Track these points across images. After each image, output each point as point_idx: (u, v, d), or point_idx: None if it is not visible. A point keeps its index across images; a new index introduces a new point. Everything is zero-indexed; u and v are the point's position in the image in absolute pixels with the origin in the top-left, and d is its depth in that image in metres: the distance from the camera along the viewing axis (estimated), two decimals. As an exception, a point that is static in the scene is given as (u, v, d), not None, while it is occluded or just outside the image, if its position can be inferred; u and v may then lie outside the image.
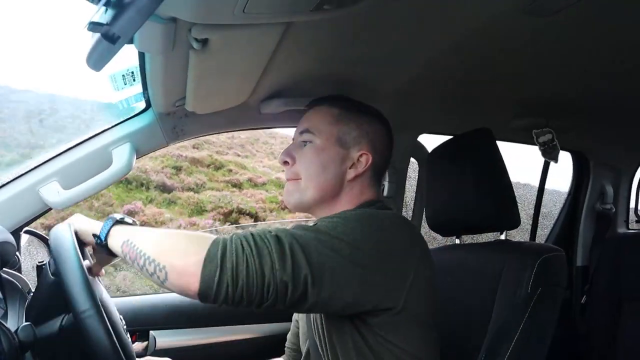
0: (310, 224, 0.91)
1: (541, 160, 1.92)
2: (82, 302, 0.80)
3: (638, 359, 1.88)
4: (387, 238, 0.91)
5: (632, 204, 2.36)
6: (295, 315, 1.33)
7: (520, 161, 1.95)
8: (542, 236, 2.37)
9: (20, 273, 1.08)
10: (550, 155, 1.75)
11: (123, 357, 0.81)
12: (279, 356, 1.47)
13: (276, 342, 1.62)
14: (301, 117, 1.22)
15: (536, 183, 2.30)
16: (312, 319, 1.07)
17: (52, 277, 0.90)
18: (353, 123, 1.09)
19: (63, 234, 0.88)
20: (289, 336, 1.35)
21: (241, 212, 9.10)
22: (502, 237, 1.30)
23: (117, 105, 1.29)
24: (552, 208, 2.50)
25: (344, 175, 1.07)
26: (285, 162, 1.10)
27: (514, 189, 1.26)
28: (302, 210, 1.12)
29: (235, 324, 1.61)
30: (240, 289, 0.77)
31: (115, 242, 0.90)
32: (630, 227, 2.38)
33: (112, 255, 0.96)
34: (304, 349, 1.19)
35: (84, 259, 0.89)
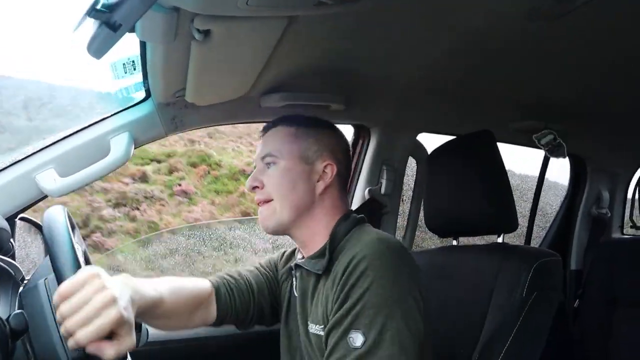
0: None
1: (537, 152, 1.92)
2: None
3: None
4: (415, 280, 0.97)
5: (628, 210, 2.37)
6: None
7: (517, 150, 1.95)
8: (537, 238, 2.38)
9: (14, 260, 1.07)
10: (557, 153, 1.76)
11: None
12: (272, 350, 1.47)
13: (270, 337, 1.62)
14: (301, 112, 1.22)
15: (532, 172, 2.30)
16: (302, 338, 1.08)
17: None
18: (311, 138, 1.12)
19: (57, 218, 0.87)
20: (240, 271, 1.26)
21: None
22: (500, 240, 1.30)
23: (116, 94, 1.28)
24: (553, 199, 2.49)
25: (314, 190, 1.10)
26: (255, 187, 1.11)
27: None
28: (281, 232, 1.13)
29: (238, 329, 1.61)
30: None
31: None
32: (625, 232, 2.39)
33: None
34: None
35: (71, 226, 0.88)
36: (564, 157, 1.78)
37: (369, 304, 0.91)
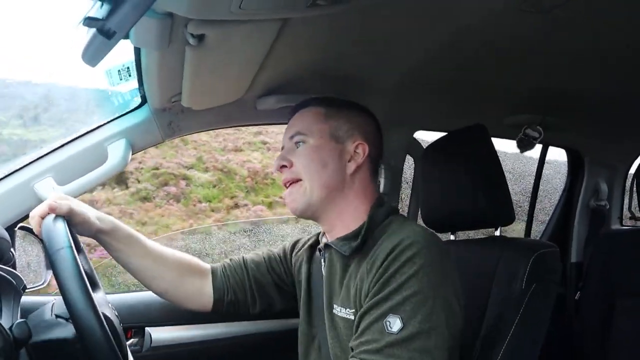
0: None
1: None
2: (57, 242, 0.83)
3: (631, 355, 1.89)
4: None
5: (626, 201, 2.37)
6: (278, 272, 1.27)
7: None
8: (537, 232, 2.39)
9: (15, 269, 1.07)
10: (523, 146, 1.76)
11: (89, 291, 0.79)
12: (277, 353, 1.47)
13: (271, 340, 1.63)
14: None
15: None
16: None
17: None
18: (342, 118, 1.10)
19: (57, 226, 0.88)
20: (251, 257, 1.26)
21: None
22: (497, 233, 1.31)
23: (112, 100, 1.29)
24: (558, 183, 2.48)
25: (345, 170, 1.07)
26: (283, 167, 1.09)
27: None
28: (309, 214, 1.09)
29: (231, 320, 1.61)
30: None
31: None
32: (623, 223, 2.39)
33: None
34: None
35: (78, 252, 0.88)
36: (522, 152, 1.79)
37: (413, 291, 0.88)
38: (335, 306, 1.04)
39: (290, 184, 1.08)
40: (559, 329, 2.10)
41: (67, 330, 0.86)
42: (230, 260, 1.23)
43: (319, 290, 1.13)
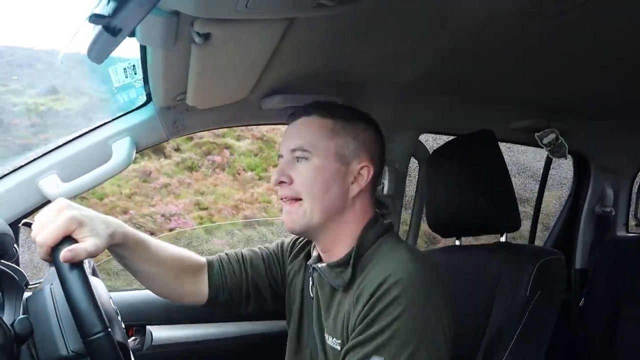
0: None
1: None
2: (92, 325, 0.77)
3: None
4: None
5: (632, 207, 2.36)
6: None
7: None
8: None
9: (18, 265, 1.08)
10: (558, 153, 1.74)
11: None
12: (274, 353, 1.46)
13: (272, 339, 1.62)
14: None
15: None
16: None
17: None
18: (349, 134, 1.03)
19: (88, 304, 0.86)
20: (245, 252, 1.22)
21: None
22: (502, 239, 1.30)
23: (116, 98, 1.29)
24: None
25: (348, 193, 1.02)
26: (281, 182, 1.02)
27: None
28: (307, 235, 1.08)
29: (232, 320, 1.61)
30: None
31: None
32: (630, 230, 2.38)
33: None
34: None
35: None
36: (565, 157, 1.77)
37: (397, 333, 0.87)
38: (326, 335, 1.03)
39: (290, 202, 1.03)
40: (563, 334, 2.09)
41: None
42: (228, 255, 1.19)
43: (309, 315, 1.11)
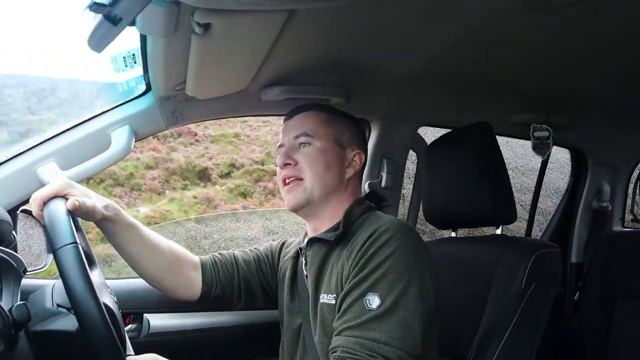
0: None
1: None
2: (62, 237, 0.81)
3: (630, 356, 1.89)
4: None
5: (629, 203, 2.37)
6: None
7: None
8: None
9: (16, 252, 1.08)
10: (540, 151, 1.76)
11: (96, 292, 0.80)
12: (271, 342, 1.47)
13: (269, 328, 1.63)
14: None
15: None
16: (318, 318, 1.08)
17: None
18: (344, 125, 1.18)
19: (56, 204, 0.89)
20: (237, 254, 1.30)
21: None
22: (498, 231, 1.31)
23: (116, 87, 1.29)
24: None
25: (344, 174, 1.15)
26: (287, 164, 1.12)
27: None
28: (305, 211, 1.15)
29: (229, 309, 1.62)
30: None
31: None
32: (626, 225, 2.39)
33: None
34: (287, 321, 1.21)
35: (76, 230, 0.89)
36: (543, 157, 1.80)
37: (389, 269, 0.95)
38: (322, 295, 1.08)
39: (291, 181, 1.12)
40: (557, 328, 2.10)
41: (69, 322, 0.87)
42: (221, 255, 1.26)
43: (302, 288, 1.17)
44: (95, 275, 0.99)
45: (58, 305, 0.89)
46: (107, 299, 0.93)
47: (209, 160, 7.52)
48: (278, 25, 0.95)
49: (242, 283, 1.24)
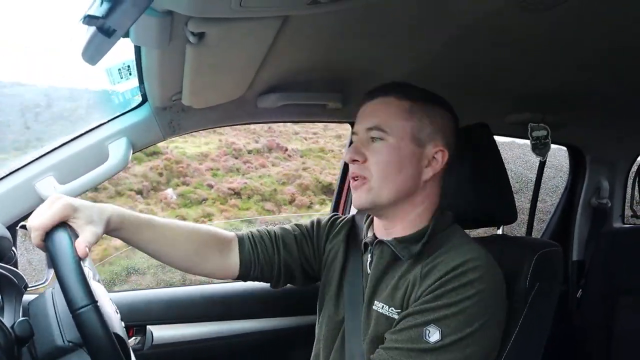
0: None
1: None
2: (79, 298, 0.79)
3: (633, 351, 1.89)
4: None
5: (628, 199, 2.37)
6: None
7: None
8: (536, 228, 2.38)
9: (17, 268, 1.08)
10: (539, 151, 1.75)
11: (120, 351, 0.80)
12: (274, 350, 1.47)
13: (271, 338, 1.63)
14: (299, 111, 1.21)
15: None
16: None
17: None
18: (426, 118, 1.03)
19: (63, 250, 0.87)
20: (276, 230, 1.22)
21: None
22: (499, 231, 1.30)
23: (112, 98, 1.29)
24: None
25: (421, 175, 1.03)
26: (355, 160, 1.04)
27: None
28: (373, 212, 1.09)
29: (232, 319, 1.61)
30: None
31: None
32: (625, 221, 2.39)
33: None
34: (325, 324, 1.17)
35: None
36: (542, 158, 1.78)
37: (464, 311, 0.90)
38: (376, 302, 1.03)
39: (358, 179, 1.04)
40: (561, 326, 2.10)
41: None
42: (260, 233, 1.19)
43: (355, 283, 1.11)
44: (97, 286, 0.98)
45: (69, 342, 0.87)
46: (116, 326, 0.92)
47: (331, 175, 7.88)
48: (273, 32, 0.95)
49: (283, 266, 1.17)
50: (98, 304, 0.79)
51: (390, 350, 0.92)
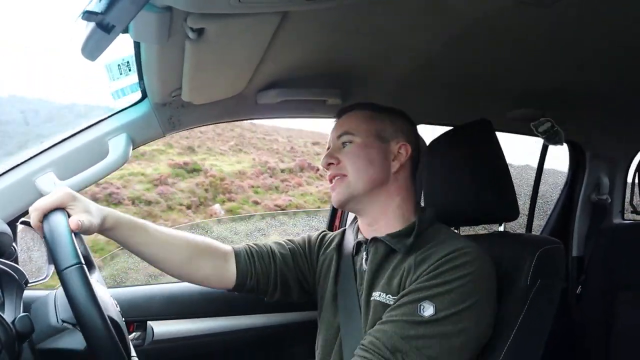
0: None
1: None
2: (66, 258, 0.80)
3: (632, 347, 1.89)
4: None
5: (628, 195, 2.37)
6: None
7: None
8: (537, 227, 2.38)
9: (17, 264, 1.08)
10: (554, 140, 1.75)
11: (104, 313, 0.80)
12: (273, 346, 1.48)
13: (271, 333, 1.63)
14: (298, 107, 1.28)
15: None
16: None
17: None
18: (387, 120, 1.18)
19: (58, 221, 0.88)
20: (272, 245, 1.29)
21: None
22: (501, 228, 1.31)
23: (112, 95, 1.28)
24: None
25: (389, 168, 1.15)
26: (330, 164, 1.16)
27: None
28: (352, 206, 1.17)
29: (232, 314, 1.62)
30: None
31: None
32: (625, 217, 2.39)
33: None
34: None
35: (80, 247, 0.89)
36: (561, 144, 1.78)
37: (457, 290, 0.96)
38: (374, 293, 1.09)
39: (336, 180, 1.15)
40: (560, 322, 2.10)
41: (75, 340, 0.87)
42: (257, 246, 1.26)
43: (349, 288, 1.17)
44: (96, 283, 0.99)
45: (63, 321, 0.89)
46: (112, 313, 0.93)
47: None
48: (272, 28, 0.95)
49: (279, 276, 1.23)
50: (84, 266, 0.81)
51: (386, 324, 0.98)
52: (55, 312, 0.91)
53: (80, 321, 0.78)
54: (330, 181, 1.17)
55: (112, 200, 7.48)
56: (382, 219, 1.15)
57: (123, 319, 1.02)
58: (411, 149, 1.17)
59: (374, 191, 1.14)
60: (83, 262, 0.81)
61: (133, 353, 0.99)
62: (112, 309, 0.96)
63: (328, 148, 1.21)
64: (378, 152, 1.14)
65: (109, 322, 0.79)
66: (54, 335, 0.88)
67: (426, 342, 0.94)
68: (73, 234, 0.85)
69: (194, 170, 8.89)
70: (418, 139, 1.24)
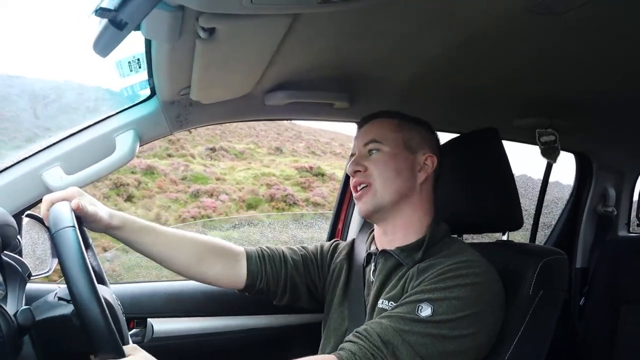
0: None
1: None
2: (60, 222, 0.85)
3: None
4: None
5: (634, 208, 2.35)
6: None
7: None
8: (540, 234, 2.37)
9: (21, 256, 1.08)
10: (549, 155, 1.75)
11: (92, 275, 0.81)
12: (274, 346, 1.47)
13: (272, 334, 1.63)
14: (306, 110, 1.29)
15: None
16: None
17: None
18: (414, 130, 1.17)
19: (62, 210, 0.89)
20: (284, 250, 1.30)
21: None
22: (504, 237, 1.30)
23: (121, 92, 1.29)
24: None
25: (416, 179, 1.14)
26: (357, 171, 1.14)
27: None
28: (378, 216, 1.15)
29: (232, 314, 1.62)
30: None
31: None
32: (631, 230, 2.37)
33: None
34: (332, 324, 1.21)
35: (86, 248, 0.89)
36: (554, 161, 1.78)
37: (458, 297, 0.96)
38: (380, 301, 1.09)
39: (362, 188, 1.13)
40: (563, 333, 2.09)
41: (67, 309, 0.88)
42: (269, 249, 1.27)
43: (357, 295, 1.18)
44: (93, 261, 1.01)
45: (59, 298, 0.90)
46: (107, 295, 0.94)
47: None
48: (282, 30, 0.95)
49: (289, 281, 1.24)
50: (76, 228, 0.84)
51: (383, 318, 0.98)
52: (55, 294, 0.93)
53: (67, 278, 0.79)
54: (355, 189, 1.15)
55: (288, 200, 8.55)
56: (401, 230, 1.14)
57: (124, 314, 1.02)
58: (437, 160, 1.16)
59: (399, 203, 1.12)
60: (76, 226, 0.85)
61: (130, 341, 0.99)
62: (106, 291, 0.97)
63: (352, 155, 1.20)
64: (405, 162, 1.13)
65: (94, 279, 0.80)
66: (49, 309, 0.90)
67: (419, 339, 0.93)
68: (82, 238, 0.87)
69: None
70: (441, 150, 1.22)
